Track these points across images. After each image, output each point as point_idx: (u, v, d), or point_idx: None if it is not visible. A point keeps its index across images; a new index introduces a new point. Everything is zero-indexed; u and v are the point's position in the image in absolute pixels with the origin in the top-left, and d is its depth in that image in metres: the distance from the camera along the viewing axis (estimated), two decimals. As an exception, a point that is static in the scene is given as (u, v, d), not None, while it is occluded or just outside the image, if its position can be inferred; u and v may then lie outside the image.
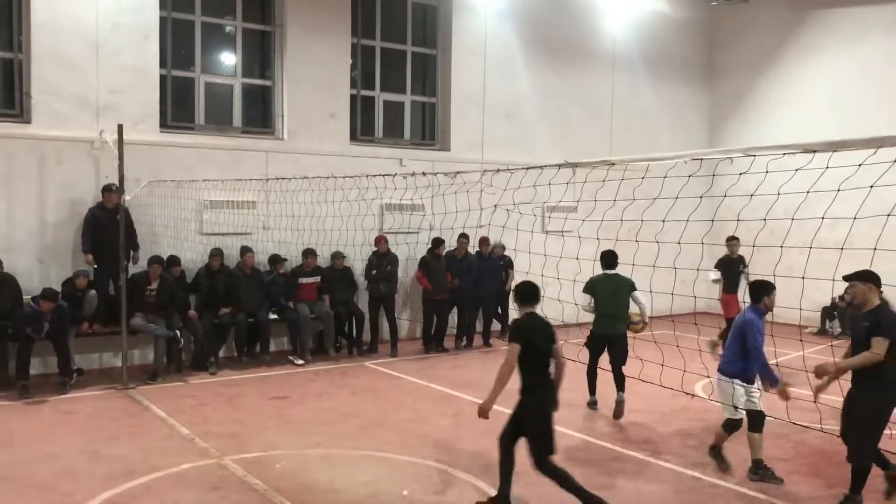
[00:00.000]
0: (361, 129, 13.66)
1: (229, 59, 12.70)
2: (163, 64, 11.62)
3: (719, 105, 17.71)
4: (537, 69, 15.12)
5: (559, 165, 6.24)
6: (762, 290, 6.69)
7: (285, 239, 11.56)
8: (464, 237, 12.68)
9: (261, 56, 12.89)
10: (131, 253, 10.66)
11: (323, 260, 12.21)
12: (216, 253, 11.29)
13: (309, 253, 11.92)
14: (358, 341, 12.39)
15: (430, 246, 12.72)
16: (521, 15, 14.81)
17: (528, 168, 6.93)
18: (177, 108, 11.99)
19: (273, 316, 11.69)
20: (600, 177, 6.44)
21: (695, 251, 7.42)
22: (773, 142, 16.52)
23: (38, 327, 9.49)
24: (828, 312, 14.81)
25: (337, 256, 12.15)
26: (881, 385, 5.82)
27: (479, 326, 13.44)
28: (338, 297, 12.13)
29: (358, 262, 12.37)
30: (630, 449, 7.63)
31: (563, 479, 5.69)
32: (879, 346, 5.74)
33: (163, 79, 11.64)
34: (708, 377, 8.18)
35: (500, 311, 13.79)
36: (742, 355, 6.54)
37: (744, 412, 6.64)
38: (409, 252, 12.74)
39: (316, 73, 12.77)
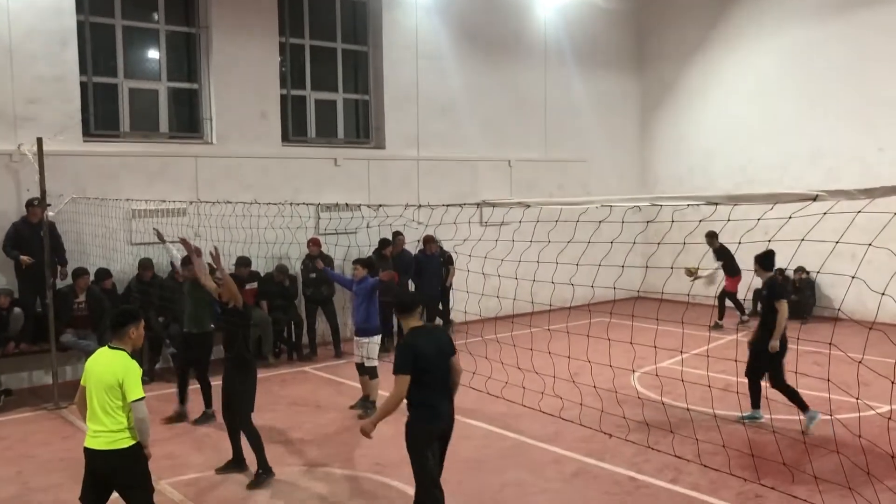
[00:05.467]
0: (294, 130, 13.48)
1: (153, 63, 12.37)
2: (83, 70, 11.26)
3: (650, 94, 18.00)
4: (469, 64, 15.12)
5: (477, 204, 6.24)
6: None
7: (220, 249, 11.28)
8: (399, 234, 12.66)
9: (186, 59, 12.58)
10: (58, 268, 10.36)
11: (261, 263, 12.04)
12: (146, 264, 11.01)
13: (242, 262, 11.71)
14: (298, 346, 12.31)
15: (377, 247, 12.65)
16: (451, 9, 14.77)
17: (447, 206, 6.86)
18: (100, 116, 11.65)
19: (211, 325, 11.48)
20: (517, 217, 6.41)
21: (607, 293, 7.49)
22: (705, 128, 17.05)
23: (-41, 350, 9.19)
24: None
25: (281, 270, 12.02)
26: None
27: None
28: (276, 303, 12.01)
29: (290, 262, 12.27)
30: (569, 450, 7.77)
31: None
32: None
33: (84, 86, 11.30)
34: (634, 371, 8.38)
35: (440, 307, 13.84)
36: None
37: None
38: (346, 253, 12.65)
39: (244, 74, 12.54)
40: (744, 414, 8.28)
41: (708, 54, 16.76)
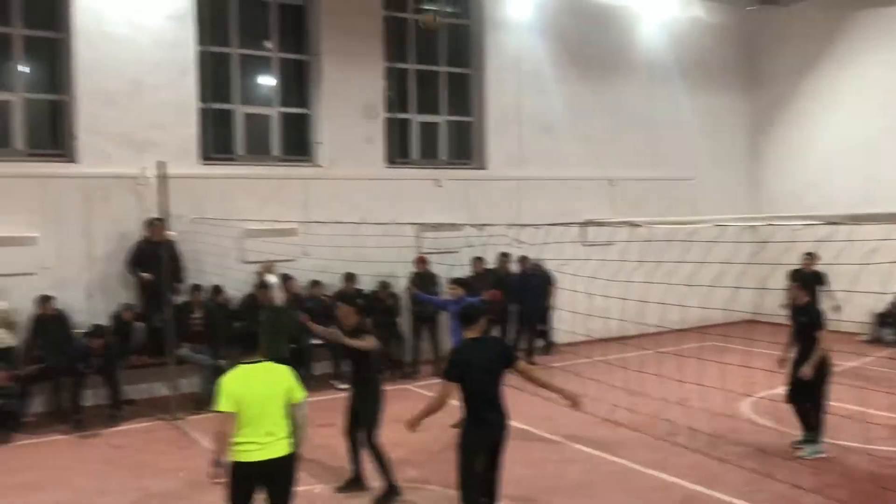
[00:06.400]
0: (398, 152, 13.76)
1: (266, 89, 12.91)
2: (202, 98, 11.86)
3: (761, 112, 17.41)
4: (572, 82, 15.05)
5: (584, 224, 6.14)
6: None
7: (327, 267, 11.62)
8: (506, 256, 12.73)
9: (298, 84, 13.07)
10: (176, 285, 10.88)
11: (368, 281, 12.30)
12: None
13: (349, 277, 12.03)
14: (400, 364, 12.46)
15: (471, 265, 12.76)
16: (554, 29, 14.78)
17: (552, 225, 6.82)
18: (217, 140, 12.23)
19: (315, 340, 11.81)
20: (623, 236, 6.28)
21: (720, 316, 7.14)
22: (821, 145, 16.26)
23: (88, 362, 9.78)
24: (882, 319, 14.43)
25: (384, 288, 12.25)
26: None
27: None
28: (379, 321, 12.20)
29: (396, 280, 12.48)
30: (677, 476, 7.53)
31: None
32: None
33: (203, 112, 11.90)
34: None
35: (540, 327, 13.77)
36: None
37: None
38: (451, 272, 12.72)
39: (351, 98, 12.92)
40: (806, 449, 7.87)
41: (824, 69, 16.08)
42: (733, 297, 6.58)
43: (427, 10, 10.37)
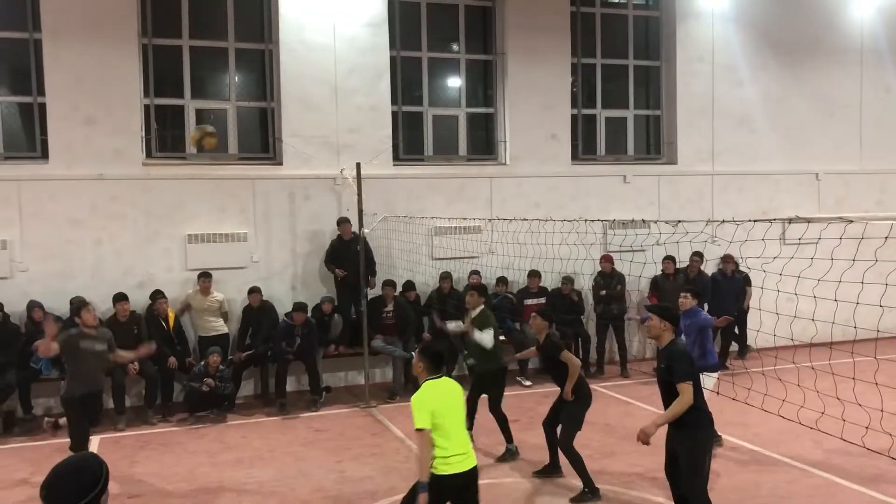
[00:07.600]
0: (583, 148, 13.59)
1: (454, 91, 13.22)
2: (394, 101, 12.35)
3: None
4: (769, 72, 14.16)
5: (789, 220, 5.75)
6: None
7: (512, 263, 11.68)
8: (697, 254, 12.22)
9: (483, 84, 13.28)
10: (369, 278, 11.42)
11: (553, 279, 12.26)
12: (446, 276, 11.77)
13: (533, 274, 12.05)
14: (585, 363, 12.31)
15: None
16: (750, 16, 13.96)
17: (755, 221, 6.43)
18: (407, 141, 12.69)
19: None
20: (836, 233, 5.75)
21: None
22: None
23: (290, 341, 10.53)
24: None
25: (568, 282, 12.16)
26: None
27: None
28: (564, 318, 12.14)
29: (581, 278, 12.34)
30: (890, 496, 6.88)
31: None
32: None
33: (394, 114, 12.39)
34: None
35: (736, 331, 13.07)
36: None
37: None
38: (642, 270, 12.32)
39: (536, 96, 12.92)
40: None
41: None
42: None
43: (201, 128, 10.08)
